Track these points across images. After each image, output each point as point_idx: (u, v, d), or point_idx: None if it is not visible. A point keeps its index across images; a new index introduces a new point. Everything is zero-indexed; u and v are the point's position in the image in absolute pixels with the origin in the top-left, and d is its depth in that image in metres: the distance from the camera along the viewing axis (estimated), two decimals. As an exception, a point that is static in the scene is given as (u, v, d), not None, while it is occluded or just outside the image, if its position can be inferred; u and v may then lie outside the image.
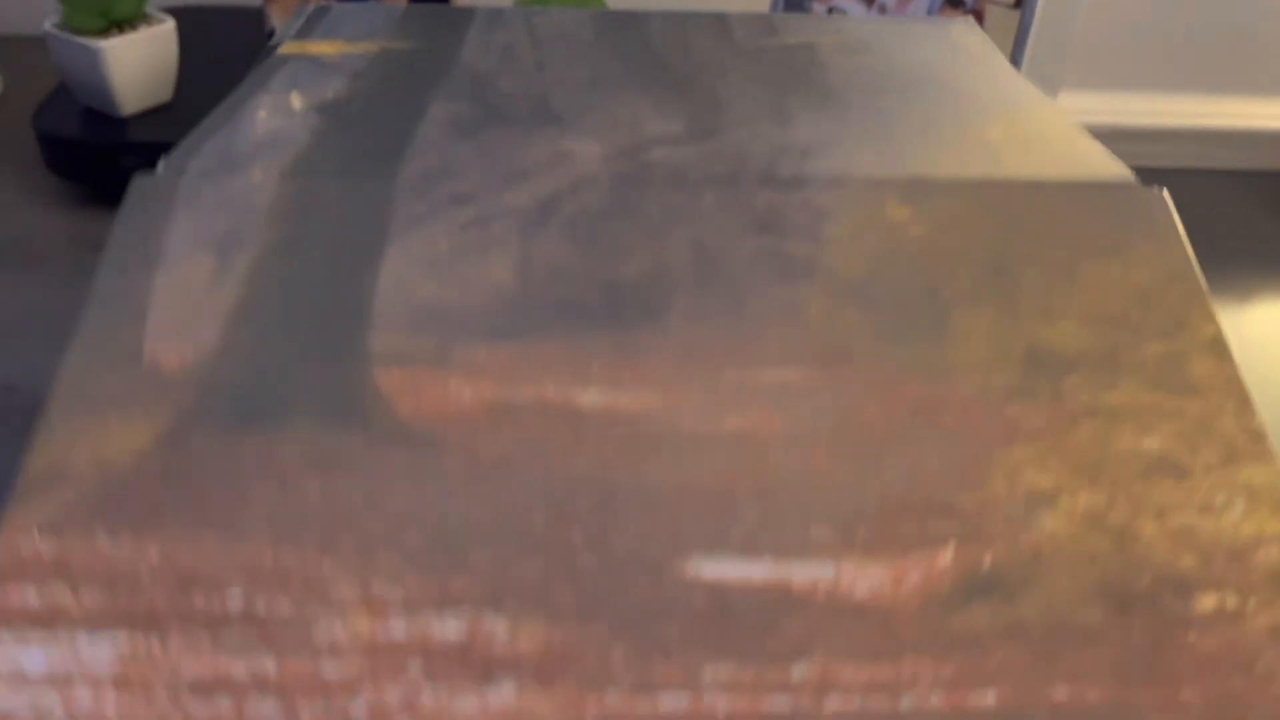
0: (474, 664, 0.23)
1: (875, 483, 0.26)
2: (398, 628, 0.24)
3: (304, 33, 0.40)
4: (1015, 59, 0.64)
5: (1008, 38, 0.63)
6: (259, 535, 0.25)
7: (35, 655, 0.23)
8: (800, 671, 0.23)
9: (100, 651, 0.23)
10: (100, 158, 0.59)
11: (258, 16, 0.71)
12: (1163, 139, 0.92)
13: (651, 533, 0.25)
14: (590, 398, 0.27)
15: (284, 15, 0.62)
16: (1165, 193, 0.32)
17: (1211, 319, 0.30)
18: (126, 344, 0.27)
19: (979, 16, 0.62)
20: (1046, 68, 0.76)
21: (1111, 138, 0.86)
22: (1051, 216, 0.32)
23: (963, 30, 0.45)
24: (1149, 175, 0.87)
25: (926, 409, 0.28)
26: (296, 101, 0.35)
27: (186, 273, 0.29)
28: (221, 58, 0.67)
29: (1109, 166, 0.34)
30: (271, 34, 0.63)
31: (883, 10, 0.61)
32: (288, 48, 0.39)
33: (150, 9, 0.60)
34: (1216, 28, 0.96)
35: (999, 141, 0.36)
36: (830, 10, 0.62)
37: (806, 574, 0.25)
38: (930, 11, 0.61)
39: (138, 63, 0.58)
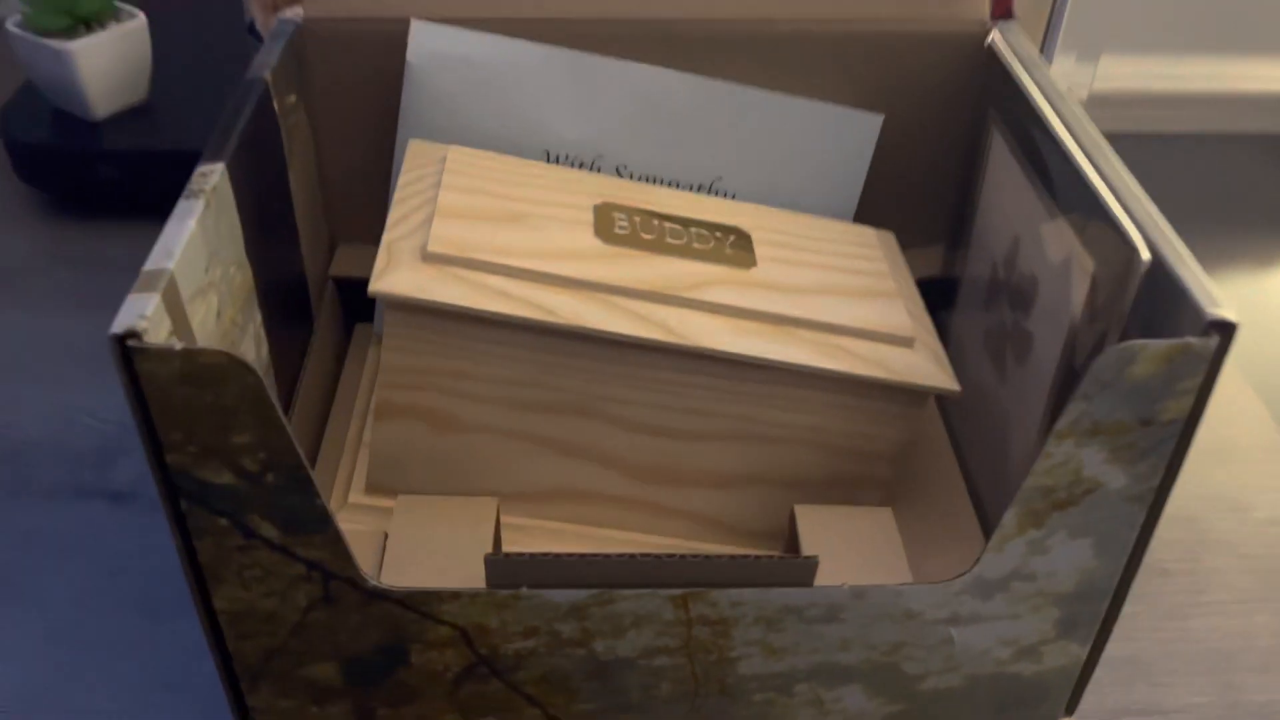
0: None
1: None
2: None
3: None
4: (1051, 31, 0.59)
5: (1042, 10, 0.58)
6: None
7: None
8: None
9: None
10: (74, 165, 0.55)
11: (236, 2, 0.66)
12: (1194, 104, 0.87)
13: None
14: None
15: (263, 4, 0.58)
16: None
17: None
18: None
19: (1011, -9, 0.57)
20: (1083, 36, 0.71)
21: (1145, 104, 0.81)
22: None
23: None
24: (1179, 140, 0.82)
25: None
26: None
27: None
28: (198, 50, 0.63)
29: None
30: (252, 25, 0.59)
31: None
32: None
33: (120, 2, 0.57)
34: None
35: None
36: None
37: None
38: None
39: (109, 63, 0.55)
